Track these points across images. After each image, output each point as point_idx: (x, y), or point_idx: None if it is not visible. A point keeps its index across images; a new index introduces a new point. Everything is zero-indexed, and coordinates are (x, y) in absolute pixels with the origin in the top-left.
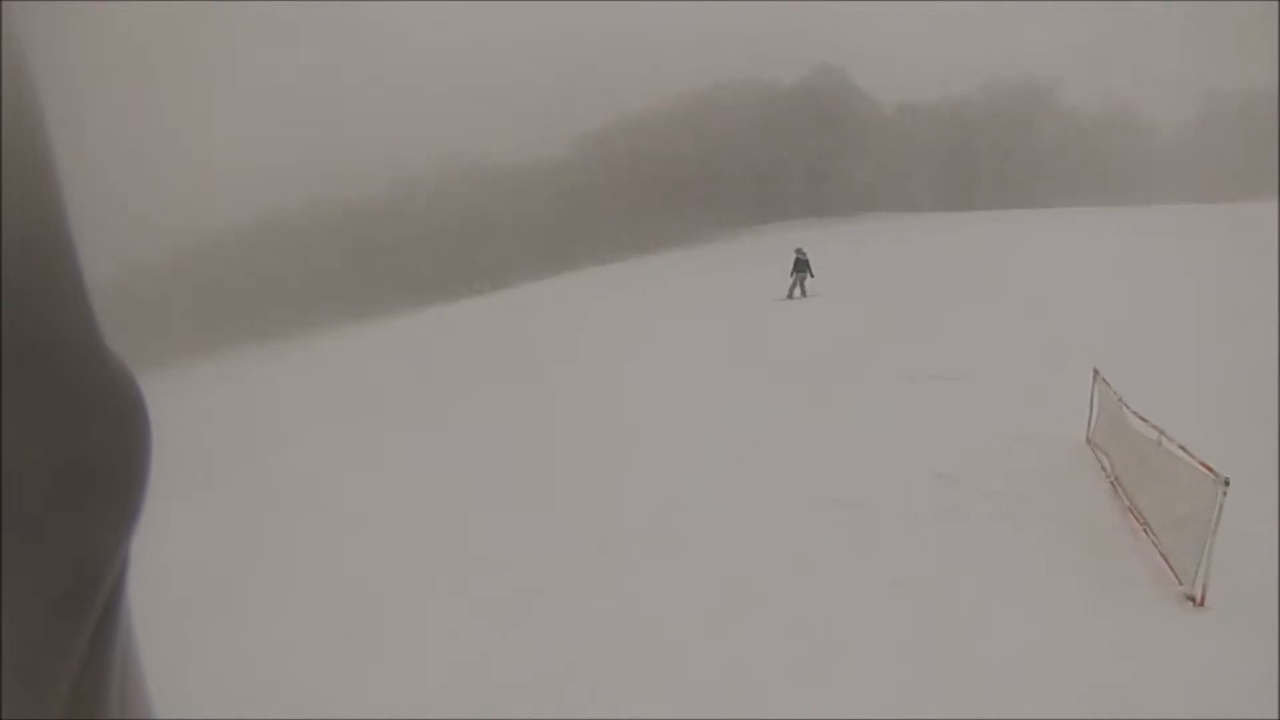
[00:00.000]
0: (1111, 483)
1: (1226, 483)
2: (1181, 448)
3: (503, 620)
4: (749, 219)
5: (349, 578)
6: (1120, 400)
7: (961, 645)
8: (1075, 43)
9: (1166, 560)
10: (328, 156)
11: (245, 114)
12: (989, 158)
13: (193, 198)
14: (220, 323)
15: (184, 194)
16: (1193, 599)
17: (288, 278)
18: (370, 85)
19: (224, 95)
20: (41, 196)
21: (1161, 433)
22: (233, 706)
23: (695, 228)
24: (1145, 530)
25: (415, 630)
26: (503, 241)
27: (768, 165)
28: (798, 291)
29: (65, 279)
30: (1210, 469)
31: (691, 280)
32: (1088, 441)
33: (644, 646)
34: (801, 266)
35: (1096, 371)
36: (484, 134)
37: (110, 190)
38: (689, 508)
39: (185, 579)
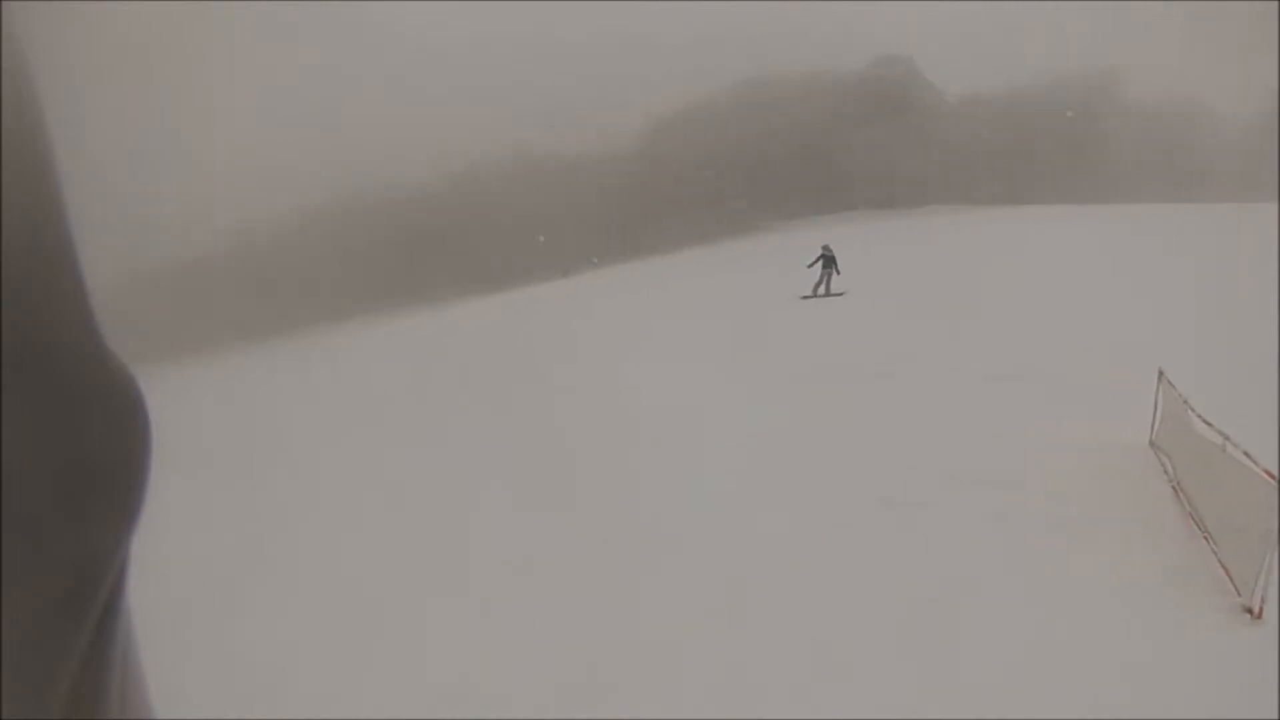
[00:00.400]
0: (1173, 487)
1: None
2: (1245, 454)
3: (504, 620)
4: (808, 210)
5: (349, 578)
6: (1185, 402)
7: (1004, 648)
8: (1140, 34)
9: (1226, 569)
10: (347, 156)
11: (247, 114)
12: (1050, 151)
13: (195, 198)
14: (221, 323)
15: (187, 194)
16: (1250, 611)
17: (287, 278)
18: (410, 79)
19: (225, 94)
20: (41, 197)
21: (1226, 438)
22: (233, 706)
23: (756, 218)
24: (1206, 538)
25: (416, 630)
26: (558, 232)
27: (828, 156)
28: (822, 289)
29: (65, 279)
30: (1274, 476)
31: (740, 275)
32: (1151, 444)
33: (652, 649)
34: (828, 264)
35: (1161, 372)
36: (530, 127)
37: (110, 190)
38: (724, 506)
39: (185, 579)
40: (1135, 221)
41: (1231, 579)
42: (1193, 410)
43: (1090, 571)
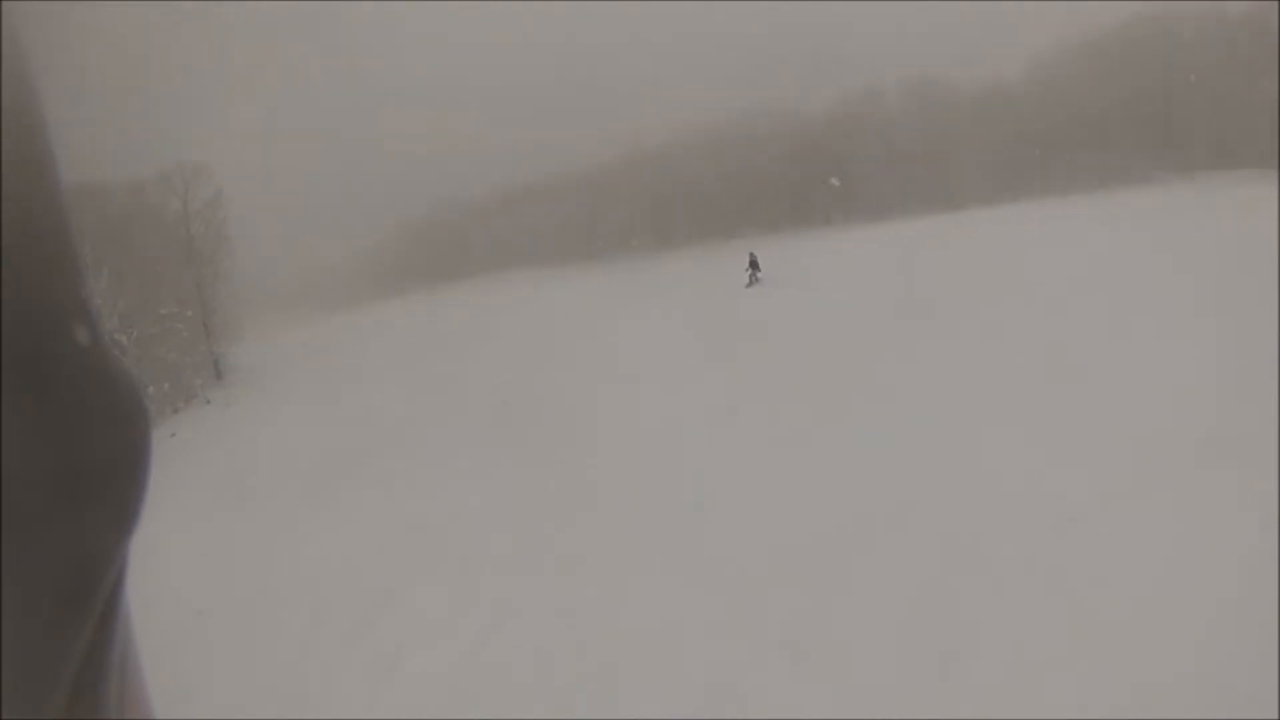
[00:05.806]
0: None
1: None
2: None
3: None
4: (1205, 163)
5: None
6: None
7: None
8: None
9: None
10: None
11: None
12: None
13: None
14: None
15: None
16: None
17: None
18: None
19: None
20: (41, 196)
21: None
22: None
23: (1149, 167)
24: None
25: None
26: (943, 167)
27: (1221, 104)
28: (753, 283)
29: (65, 280)
30: None
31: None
32: None
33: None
34: (753, 265)
35: None
36: (922, 57)
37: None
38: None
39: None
40: None
41: None
42: None
43: None
